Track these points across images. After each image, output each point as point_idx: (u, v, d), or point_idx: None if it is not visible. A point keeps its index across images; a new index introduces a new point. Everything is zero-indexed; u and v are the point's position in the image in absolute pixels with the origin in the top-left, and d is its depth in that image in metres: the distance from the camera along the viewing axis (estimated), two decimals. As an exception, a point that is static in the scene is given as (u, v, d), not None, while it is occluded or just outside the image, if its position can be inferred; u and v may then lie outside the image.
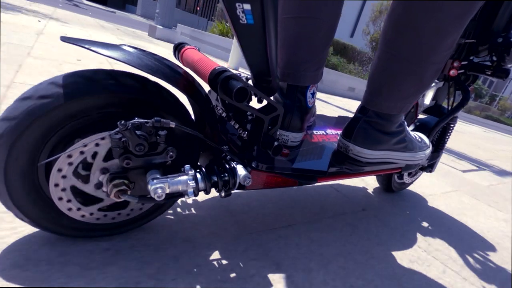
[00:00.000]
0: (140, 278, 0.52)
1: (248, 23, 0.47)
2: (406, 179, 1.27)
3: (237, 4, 0.44)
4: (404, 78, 0.69)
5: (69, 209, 0.51)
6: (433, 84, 1.07)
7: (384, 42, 0.69)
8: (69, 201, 0.50)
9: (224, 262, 0.62)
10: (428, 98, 1.10)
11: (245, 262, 0.63)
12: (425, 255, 0.88)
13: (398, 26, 0.66)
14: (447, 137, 1.15)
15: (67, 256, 0.53)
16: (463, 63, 1.01)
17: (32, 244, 0.53)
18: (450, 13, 0.60)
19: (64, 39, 0.45)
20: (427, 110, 1.13)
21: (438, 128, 1.05)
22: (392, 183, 1.22)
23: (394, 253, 0.84)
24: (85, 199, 0.52)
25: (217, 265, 0.60)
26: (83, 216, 0.53)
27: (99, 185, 0.51)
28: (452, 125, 1.14)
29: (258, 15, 0.45)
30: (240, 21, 0.47)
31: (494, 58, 0.96)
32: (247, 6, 0.44)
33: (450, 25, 0.62)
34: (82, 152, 0.47)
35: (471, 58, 1.02)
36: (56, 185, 0.48)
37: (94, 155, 0.49)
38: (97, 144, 0.48)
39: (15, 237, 0.53)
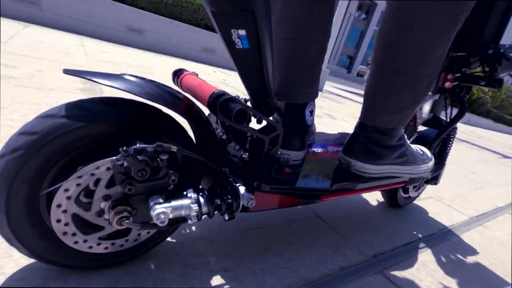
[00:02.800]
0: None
1: (244, 48, 0.48)
2: (411, 193, 1.25)
3: (232, 30, 0.46)
4: (397, 92, 0.70)
5: (75, 242, 0.51)
6: (429, 97, 1.09)
7: (375, 59, 0.72)
8: (74, 234, 0.50)
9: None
10: (425, 111, 1.12)
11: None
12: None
13: (387, 43, 0.68)
14: (448, 148, 1.15)
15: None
16: (456, 75, 1.03)
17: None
18: (434, 27, 0.62)
19: (67, 71, 0.46)
20: (426, 123, 1.14)
21: (439, 140, 1.05)
22: (398, 198, 1.21)
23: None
24: (87, 227, 0.52)
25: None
26: (90, 247, 0.52)
27: (100, 213, 0.51)
28: (452, 136, 1.14)
29: (253, 39, 0.47)
30: (236, 46, 0.48)
31: (487, 69, 0.98)
32: (242, 32, 0.46)
33: (436, 38, 0.64)
34: (78, 184, 0.47)
35: (464, 70, 1.04)
36: (58, 220, 0.47)
37: (97, 182, 0.49)
38: (92, 174, 0.48)
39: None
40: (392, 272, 0.80)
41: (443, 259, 0.94)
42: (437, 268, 0.88)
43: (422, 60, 0.66)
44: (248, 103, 0.63)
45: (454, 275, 0.87)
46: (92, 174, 0.47)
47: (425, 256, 0.93)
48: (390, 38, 0.67)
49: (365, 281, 0.74)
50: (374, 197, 1.32)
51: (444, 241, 1.07)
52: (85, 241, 0.52)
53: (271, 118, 0.61)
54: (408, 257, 0.89)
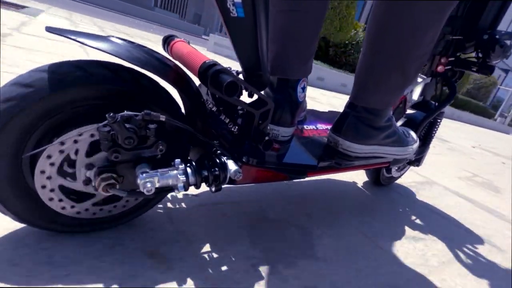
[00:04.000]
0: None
1: (239, 16, 0.46)
2: (394, 173, 1.29)
3: (227, -3, 0.44)
4: (388, 73, 0.71)
5: (63, 208, 0.51)
6: (421, 79, 1.09)
7: (368, 40, 0.72)
8: (60, 200, 0.49)
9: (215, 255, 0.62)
10: (416, 94, 1.12)
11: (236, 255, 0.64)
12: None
13: (379, 24, 0.68)
14: (434, 131, 1.18)
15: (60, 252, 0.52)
16: (450, 59, 1.03)
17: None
18: (427, 9, 0.62)
19: (50, 29, 0.43)
20: (415, 106, 1.15)
21: (425, 123, 1.08)
22: (381, 177, 1.25)
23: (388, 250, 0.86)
24: (78, 196, 0.52)
25: (208, 258, 0.61)
26: (78, 212, 0.53)
27: (87, 181, 0.51)
28: (439, 120, 1.17)
29: (249, 8, 0.45)
30: (231, 14, 0.46)
31: (480, 55, 0.98)
32: (237, -1, 0.44)
33: (428, 20, 0.64)
34: (62, 151, 0.46)
35: (458, 54, 1.04)
36: (43, 187, 0.47)
37: (76, 151, 0.48)
38: (75, 141, 0.47)
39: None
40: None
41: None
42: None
43: (413, 42, 0.67)
44: (240, 76, 0.62)
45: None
46: (75, 141, 0.46)
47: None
48: (383, 20, 0.67)
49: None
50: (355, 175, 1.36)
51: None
52: (72, 206, 0.52)
53: (262, 92, 0.60)
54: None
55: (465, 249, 0.98)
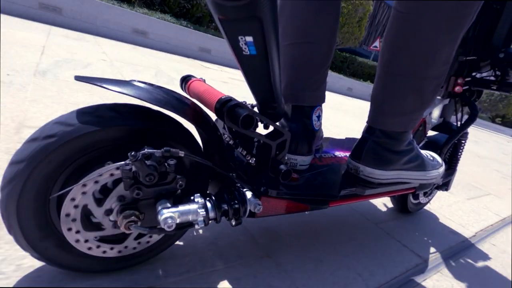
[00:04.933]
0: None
1: (251, 54, 0.49)
2: (421, 199, 1.23)
3: (239, 37, 0.47)
4: (404, 95, 0.71)
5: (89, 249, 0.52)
6: (439, 101, 1.07)
7: (382, 62, 0.73)
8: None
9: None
10: (435, 116, 1.10)
11: None
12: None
13: (393, 46, 0.69)
14: (459, 153, 1.13)
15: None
16: (466, 79, 1.01)
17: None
18: (439, 30, 0.63)
19: (78, 78, 0.47)
20: (436, 128, 1.12)
21: (449, 145, 1.04)
22: (408, 204, 1.18)
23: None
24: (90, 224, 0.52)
25: None
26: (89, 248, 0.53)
27: (108, 212, 0.51)
28: (463, 141, 1.12)
29: (260, 45, 0.47)
30: (243, 52, 0.49)
31: (498, 73, 0.96)
32: (249, 38, 0.46)
33: (441, 41, 0.65)
34: (97, 182, 0.48)
35: (474, 74, 1.02)
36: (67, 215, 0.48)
37: (116, 182, 0.50)
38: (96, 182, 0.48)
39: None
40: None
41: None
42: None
43: (427, 63, 0.67)
44: (255, 109, 0.63)
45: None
46: (96, 182, 0.48)
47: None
48: (396, 41, 0.68)
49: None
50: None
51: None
52: (98, 246, 0.52)
53: (278, 123, 0.61)
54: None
55: None
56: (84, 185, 0.47)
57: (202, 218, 0.51)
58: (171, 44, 4.40)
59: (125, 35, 4.00)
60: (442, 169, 0.92)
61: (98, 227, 0.52)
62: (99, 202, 0.50)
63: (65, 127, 0.46)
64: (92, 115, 0.48)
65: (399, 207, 1.22)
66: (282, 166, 0.58)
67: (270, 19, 0.44)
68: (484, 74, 1.02)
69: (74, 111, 0.48)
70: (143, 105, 0.54)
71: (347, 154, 0.96)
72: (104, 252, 0.54)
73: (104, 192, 0.50)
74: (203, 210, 0.52)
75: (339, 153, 0.96)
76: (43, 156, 0.44)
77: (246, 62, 0.51)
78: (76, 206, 0.48)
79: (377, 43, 8.64)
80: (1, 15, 2.89)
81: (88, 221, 0.51)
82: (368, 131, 0.76)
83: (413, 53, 0.66)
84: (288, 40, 0.72)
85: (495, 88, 0.98)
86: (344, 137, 1.15)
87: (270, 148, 0.58)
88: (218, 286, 0.61)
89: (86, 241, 0.51)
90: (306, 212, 1.02)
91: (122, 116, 0.50)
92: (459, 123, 1.07)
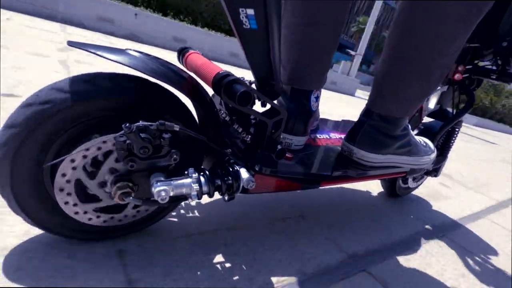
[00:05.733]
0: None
1: (252, 28, 0.47)
2: (411, 183, 1.26)
3: (240, 9, 0.45)
4: (410, 81, 0.69)
5: (66, 203, 0.52)
6: (438, 88, 1.07)
7: (390, 46, 0.70)
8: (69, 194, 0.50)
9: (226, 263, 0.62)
10: (432, 102, 1.10)
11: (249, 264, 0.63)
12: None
13: (403, 32, 0.66)
14: (452, 141, 1.15)
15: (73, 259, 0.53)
16: (467, 67, 1.00)
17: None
18: (455, 17, 0.60)
19: (71, 43, 0.46)
20: (431, 114, 1.12)
21: (443, 132, 1.05)
22: (397, 188, 1.21)
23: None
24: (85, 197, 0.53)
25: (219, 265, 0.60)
26: (90, 219, 0.54)
27: (102, 184, 0.52)
28: (457, 129, 1.13)
29: (261, 20, 0.46)
30: (244, 26, 0.47)
31: (499, 62, 0.95)
32: (250, 11, 0.45)
33: (456, 29, 0.62)
34: (85, 155, 0.48)
35: (476, 62, 1.01)
36: (61, 190, 0.48)
37: (107, 154, 0.50)
38: (99, 148, 0.48)
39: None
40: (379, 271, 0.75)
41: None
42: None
43: (438, 51, 0.64)
44: (253, 85, 0.62)
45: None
46: (99, 148, 0.48)
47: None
48: (407, 26, 0.65)
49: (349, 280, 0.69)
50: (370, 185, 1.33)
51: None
52: (85, 212, 0.53)
53: (275, 101, 0.61)
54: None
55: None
56: (73, 160, 0.47)
57: (195, 192, 0.52)
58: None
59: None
60: (433, 155, 0.94)
61: (95, 198, 0.53)
62: (92, 175, 0.50)
63: (61, 93, 0.45)
64: (88, 83, 0.47)
65: (388, 190, 1.25)
66: (277, 145, 0.59)
67: (273, -9, 0.42)
68: (486, 63, 1.02)
69: (70, 78, 0.47)
70: (139, 75, 0.53)
71: (342, 136, 0.97)
72: (90, 219, 0.54)
73: (96, 164, 0.50)
74: (196, 184, 0.52)
75: (334, 135, 0.96)
76: (38, 122, 0.44)
77: (246, 37, 0.49)
78: (68, 181, 0.48)
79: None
80: None
81: (84, 194, 0.52)
82: (365, 114, 0.76)
83: (425, 39, 0.63)
84: (298, 20, 0.69)
85: (494, 77, 0.97)
86: (340, 120, 1.15)
87: (266, 126, 0.58)
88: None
89: (85, 212, 0.52)
90: (298, 191, 1.04)
91: (117, 86, 0.49)
92: (455, 110, 1.08)
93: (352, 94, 7.60)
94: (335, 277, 0.68)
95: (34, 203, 0.49)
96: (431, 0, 0.60)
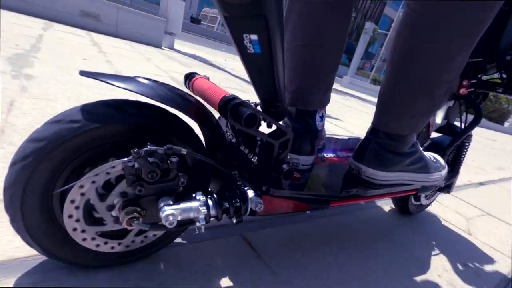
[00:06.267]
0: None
1: (256, 52, 0.48)
2: (423, 200, 1.22)
3: (244, 35, 0.46)
4: (415, 98, 0.68)
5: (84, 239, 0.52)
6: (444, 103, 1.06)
7: (392, 64, 0.70)
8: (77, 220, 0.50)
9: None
10: (439, 117, 1.09)
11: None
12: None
13: (406, 48, 0.66)
14: (462, 156, 1.12)
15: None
16: (472, 81, 1.00)
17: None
18: (458, 33, 0.60)
19: (83, 73, 0.47)
20: (439, 130, 1.11)
21: (453, 147, 1.03)
22: (409, 205, 1.18)
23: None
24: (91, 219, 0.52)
25: None
26: (98, 245, 0.53)
27: (110, 208, 0.52)
28: (467, 144, 1.12)
29: (265, 44, 0.47)
30: (248, 50, 0.48)
31: (504, 76, 0.95)
32: (254, 37, 0.46)
33: (459, 45, 0.62)
34: (93, 182, 0.48)
35: (480, 76, 1.01)
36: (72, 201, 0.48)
37: (119, 178, 0.50)
38: (107, 173, 0.48)
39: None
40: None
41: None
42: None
43: (442, 67, 0.64)
44: (259, 107, 0.63)
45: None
46: (108, 173, 0.48)
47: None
48: (410, 44, 0.65)
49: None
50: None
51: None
52: (93, 238, 0.52)
53: (281, 122, 0.61)
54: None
55: None
56: (93, 181, 0.47)
57: (203, 216, 0.51)
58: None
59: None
60: (444, 171, 0.92)
61: (99, 222, 0.52)
62: (102, 197, 0.50)
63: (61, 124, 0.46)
64: (112, 108, 0.49)
65: (400, 208, 1.21)
66: (284, 166, 0.58)
67: (276, 17, 0.44)
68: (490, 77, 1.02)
69: (103, 101, 0.50)
70: (147, 102, 0.54)
71: (350, 154, 0.96)
72: (97, 246, 0.54)
73: (107, 187, 0.50)
74: (204, 207, 0.52)
75: (342, 153, 0.95)
76: (65, 139, 0.45)
77: (250, 61, 0.50)
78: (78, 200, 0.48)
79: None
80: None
81: (90, 216, 0.52)
82: (372, 132, 0.75)
83: (428, 57, 0.63)
84: (299, 41, 0.71)
85: (500, 91, 0.97)
86: (347, 137, 1.14)
87: (273, 147, 0.58)
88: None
89: (93, 239, 0.52)
90: (307, 212, 1.02)
91: (126, 112, 0.50)
92: (463, 125, 1.06)
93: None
94: None
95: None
96: (435, 19, 0.60)
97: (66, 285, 0.48)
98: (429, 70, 0.65)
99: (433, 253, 0.99)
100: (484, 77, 1.02)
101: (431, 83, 0.66)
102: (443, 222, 1.27)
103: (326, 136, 1.04)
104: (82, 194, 0.48)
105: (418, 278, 0.81)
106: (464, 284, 0.86)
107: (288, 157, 0.72)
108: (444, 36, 0.61)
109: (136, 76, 0.53)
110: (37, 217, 0.48)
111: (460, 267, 0.94)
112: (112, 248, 0.55)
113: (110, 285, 0.50)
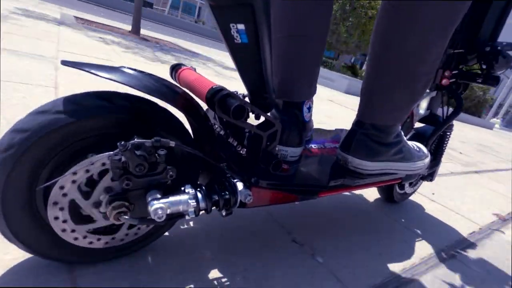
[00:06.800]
0: None
1: (243, 42, 0.48)
2: (407, 189, 1.26)
3: (231, 25, 0.46)
4: (395, 90, 0.70)
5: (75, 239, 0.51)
6: (426, 93, 1.09)
7: (372, 56, 0.71)
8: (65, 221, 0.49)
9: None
10: (422, 108, 1.12)
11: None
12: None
13: (384, 40, 0.68)
14: (444, 145, 1.16)
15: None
16: (453, 72, 1.03)
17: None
18: (433, 25, 0.62)
19: (65, 63, 0.45)
20: (422, 120, 1.14)
21: (435, 136, 1.06)
22: (394, 194, 1.22)
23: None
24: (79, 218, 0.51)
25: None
26: (91, 243, 0.52)
27: (97, 204, 0.50)
28: (448, 133, 1.15)
29: (252, 34, 0.46)
30: (235, 40, 0.48)
31: (484, 66, 0.99)
32: (241, 26, 0.46)
33: (435, 36, 0.64)
34: (87, 171, 0.47)
35: (461, 67, 1.04)
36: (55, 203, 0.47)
37: (102, 174, 0.49)
38: (87, 171, 0.47)
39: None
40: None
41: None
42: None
43: (420, 59, 0.66)
44: (246, 99, 0.63)
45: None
46: (87, 171, 0.47)
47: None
48: (388, 37, 0.67)
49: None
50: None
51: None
52: (84, 237, 0.51)
53: (269, 114, 0.61)
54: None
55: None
56: (75, 173, 0.46)
57: (192, 209, 0.51)
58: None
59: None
60: (427, 160, 0.95)
61: (89, 220, 0.51)
62: (86, 195, 0.49)
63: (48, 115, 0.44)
64: (77, 104, 0.46)
65: (385, 197, 1.25)
66: (273, 157, 0.59)
67: (262, 6, 0.43)
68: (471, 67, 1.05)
69: (88, 92, 0.48)
70: (133, 93, 0.53)
71: (337, 145, 0.97)
72: (91, 243, 0.53)
73: (91, 184, 0.49)
74: (193, 200, 0.51)
75: (329, 144, 0.96)
76: (49, 130, 0.43)
77: (237, 51, 0.50)
78: (64, 195, 0.47)
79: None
80: None
81: (78, 215, 0.50)
82: (357, 124, 0.77)
83: (406, 49, 0.65)
84: (282, 33, 0.71)
85: (480, 81, 1.00)
86: (334, 129, 1.16)
87: (261, 139, 0.58)
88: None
89: (85, 237, 0.51)
90: (296, 202, 1.03)
91: (111, 104, 0.48)
92: (445, 115, 1.10)
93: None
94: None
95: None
96: (410, 12, 0.61)
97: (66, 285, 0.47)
98: (407, 63, 0.67)
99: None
100: (465, 68, 1.05)
101: (410, 76, 0.68)
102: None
103: (314, 127, 1.04)
104: (64, 195, 0.47)
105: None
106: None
107: (277, 149, 0.72)
108: (420, 28, 0.62)
109: (121, 66, 0.51)
110: (19, 213, 0.46)
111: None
112: (107, 243, 0.55)
113: (110, 285, 0.50)
